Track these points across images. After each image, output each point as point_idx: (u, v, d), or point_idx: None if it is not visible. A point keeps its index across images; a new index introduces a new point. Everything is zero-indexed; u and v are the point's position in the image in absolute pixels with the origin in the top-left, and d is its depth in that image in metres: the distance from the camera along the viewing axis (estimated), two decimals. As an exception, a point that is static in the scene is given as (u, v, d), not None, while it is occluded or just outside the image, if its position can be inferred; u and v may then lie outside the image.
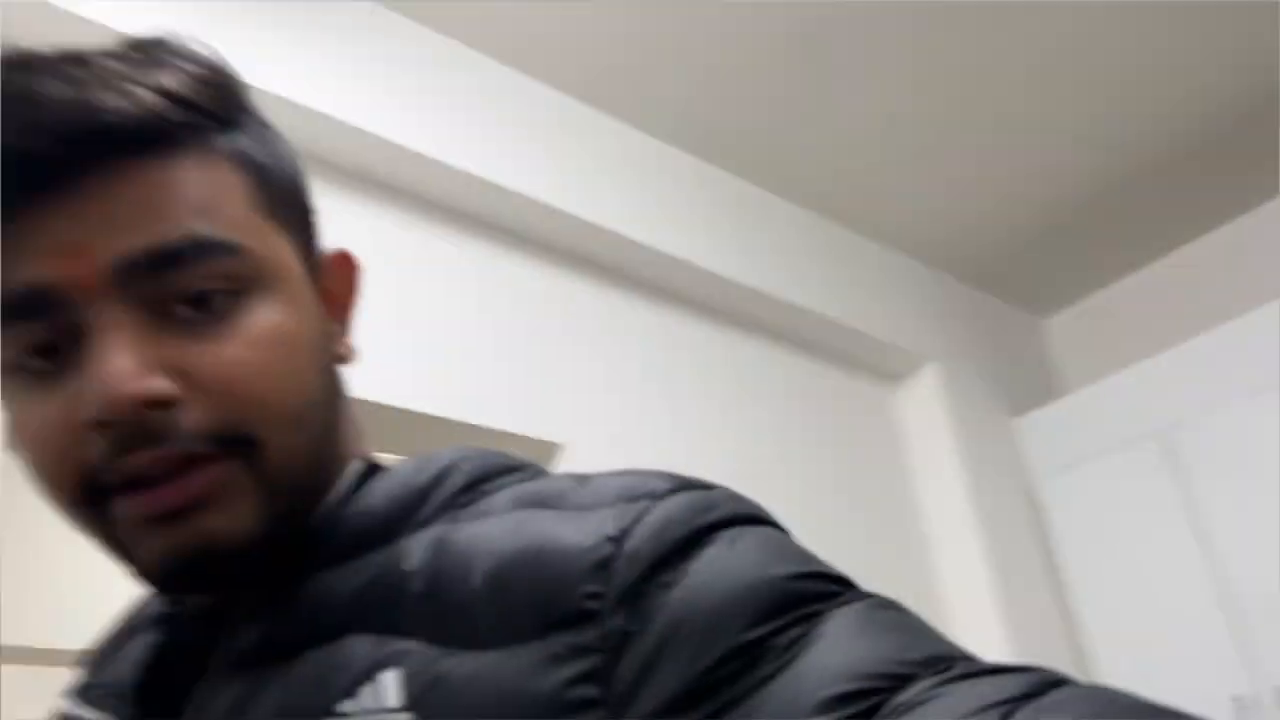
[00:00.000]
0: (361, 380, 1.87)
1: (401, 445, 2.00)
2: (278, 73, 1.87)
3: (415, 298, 2.02)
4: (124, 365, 0.45)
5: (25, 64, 0.46)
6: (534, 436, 2.05)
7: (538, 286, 2.23)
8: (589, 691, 0.42)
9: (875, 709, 0.39)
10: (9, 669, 1.43)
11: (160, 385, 0.45)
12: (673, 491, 0.48)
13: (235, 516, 0.47)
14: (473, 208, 2.16)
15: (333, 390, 0.54)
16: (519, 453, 1.88)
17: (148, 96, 0.46)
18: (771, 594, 0.43)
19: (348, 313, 0.58)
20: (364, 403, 1.86)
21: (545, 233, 2.25)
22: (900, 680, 0.40)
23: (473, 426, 1.98)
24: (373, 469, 0.55)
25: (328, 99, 1.92)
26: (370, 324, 1.90)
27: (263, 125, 0.55)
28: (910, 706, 0.38)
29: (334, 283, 0.57)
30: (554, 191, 2.20)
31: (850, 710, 0.39)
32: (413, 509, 0.51)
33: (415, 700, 0.43)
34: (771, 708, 0.40)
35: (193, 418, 0.46)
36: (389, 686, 0.44)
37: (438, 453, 0.56)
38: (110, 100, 0.45)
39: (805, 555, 0.47)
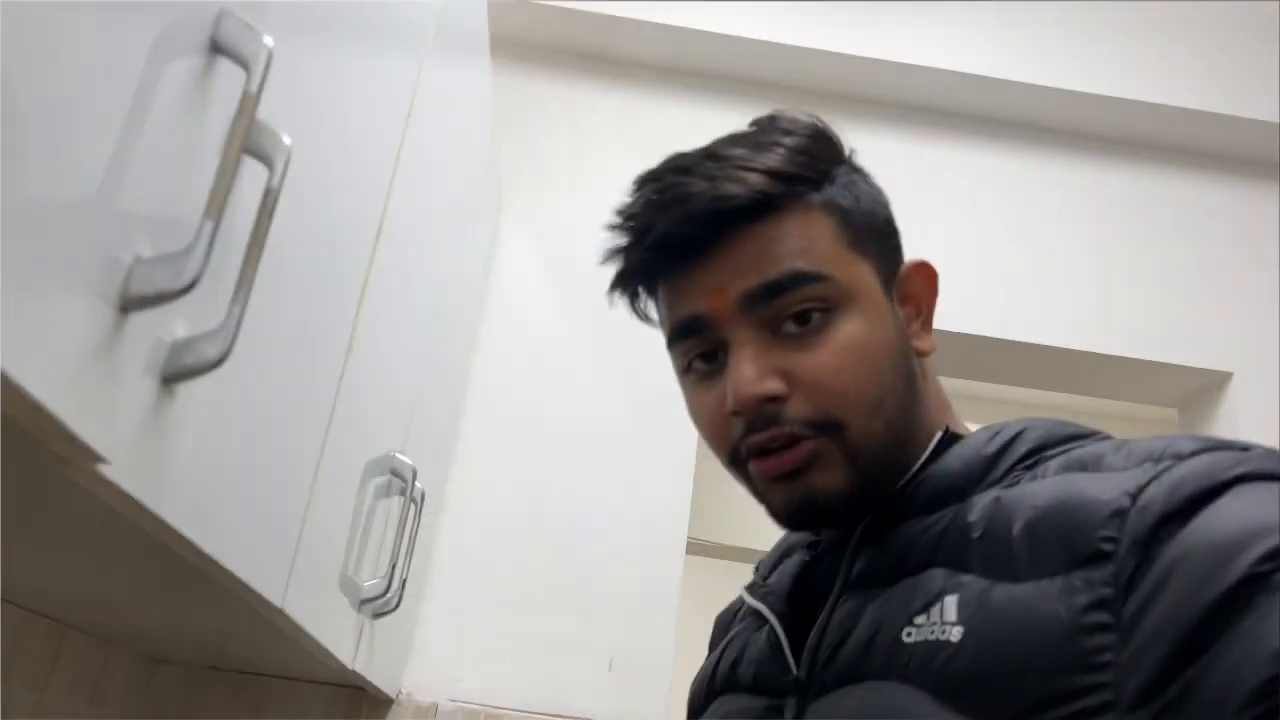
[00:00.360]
0: (1008, 321, 1.93)
1: (1054, 383, 1.99)
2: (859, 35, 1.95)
3: (1058, 231, 1.97)
4: (749, 373, 0.63)
5: (679, 168, 0.67)
6: (1198, 366, 1.87)
7: (1197, 203, 2.01)
8: (1101, 617, 0.50)
9: None
10: (697, 559, 1.83)
11: (773, 386, 0.63)
12: (1199, 452, 0.54)
13: (830, 477, 0.64)
14: (1112, 127, 2.01)
15: (909, 379, 0.67)
16: (1181, 385, 1.80)
17: (759, 181, 0.64)
18: (1272, 536, 0.47)
19: (926, 312, 0.72)
20: (1026, 346, 1.90)
21: (1194, 140, 2.00)
22: None
23: (1127, 359, 1.88)
24: (952, 437, 0.68)
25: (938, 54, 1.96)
26: (1010, 262, 1.93)
27: (850, 172, 0.70)
28: None
29: (913, 287, 0.71)
30: (1199, 93, 1.95)
31: None
32: (982, 472, 0.63)
33: (966, 617, 0.55)
34: (1255, 631, 0.45)
35: (795, 408, 0.63)
36: (950, 606, 0.56)
37: (1008, 423, 0.67)
38: (732, 189, 0.64)
39: None
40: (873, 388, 0.64)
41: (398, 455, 1.22)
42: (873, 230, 0.69)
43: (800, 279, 0.64)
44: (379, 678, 1.40)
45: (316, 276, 0.86)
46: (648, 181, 0.67)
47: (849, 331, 0.64)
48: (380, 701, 1.60)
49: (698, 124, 0.72)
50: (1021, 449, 0.64)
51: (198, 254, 0.51)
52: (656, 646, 1.66)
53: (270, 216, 0.61)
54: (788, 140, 0.67)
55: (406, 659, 1.63)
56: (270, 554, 0.83)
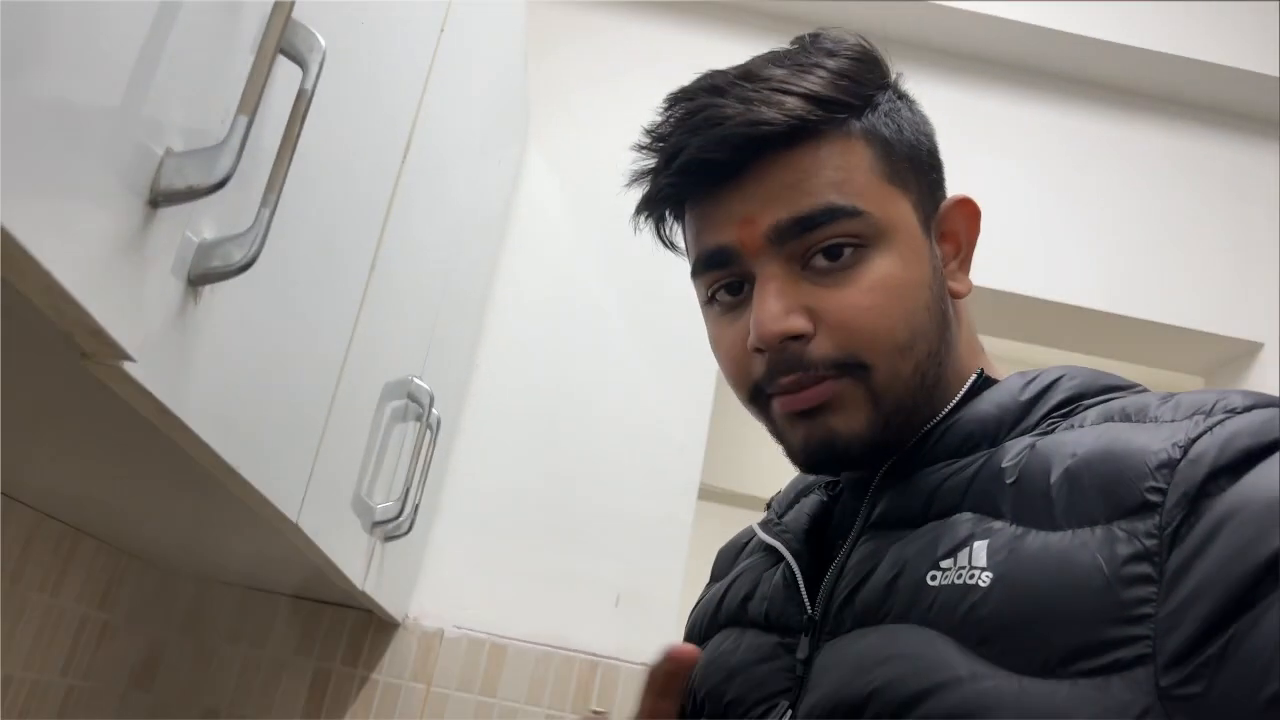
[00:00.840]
0: (1037, 278, 1.90)
1: (1080, 344, 1.96)
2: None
3: (1092, 190, 1.92)
4: (773, 309, 0.60)
5: (713, 88, 0.63)
6: (1229, 335, 1.84)
7: (1229, 166, 1.95)
8: (1143, 569, 0.49)
9: None
10: (706, 504, 1.83)
11: (797, 324, 0.60)
12: (1253, 408, 0.52)
13: (851, 419, 0.62)
14: (1158, 85, 1.96)
15: (942, 322, 0.65)
16: (1212, 353, 1.76)
17: (797, 106, 0.61)
18: None
19: (966, 251, 0.68)
20: (1040, 301, 1.87)
21: (1243, 102, 1.94)
22: None
23: (1156, 324, 1.85)
24: (986, 381, 0.65)
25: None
26: (1043, 219, 1.90)
27: (894, 99, 0.66)
28: None
29: (953, 225, 0.68)
30: (1250, 51, 1.90)
31: None
32: (1016, 418, 0.61)
33: (996, 563, 0.54)
34: None
35: (820, 349, 0.61)
36: (980, 552, 0.55)
37: (1046, 370, 0.64)
38: (768, 113, 0.60)
39: None
40: (903, 330, 0.61)
41: (415, 380, 1.21)
42: (914, 162, 0.65)
43: (834, 213, 0.60)
44: (387, 600, 1.41)
45: (344, 188, 0.84)
46: (679, 101, 0.64)
47: (881, 270, 0.61)
48: (387, 624, 1.61)
49: (730, 59, 0.68)
50: (1058, 396, 0.61)
51: (231, 149, 0.49)
52: (664, 586, 1.66)
53: (303, 119, 0.59)
54: (830, 62, 0.63)
55: (414, 584, 1.64)
56: (287, 468, 0.82)
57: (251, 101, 0.50)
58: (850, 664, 0.57)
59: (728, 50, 0.80)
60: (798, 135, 0.61)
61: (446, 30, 1.07)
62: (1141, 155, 1.95)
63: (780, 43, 0.68)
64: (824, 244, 0.61)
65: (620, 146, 0.70)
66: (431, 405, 1.23)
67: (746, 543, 0.80)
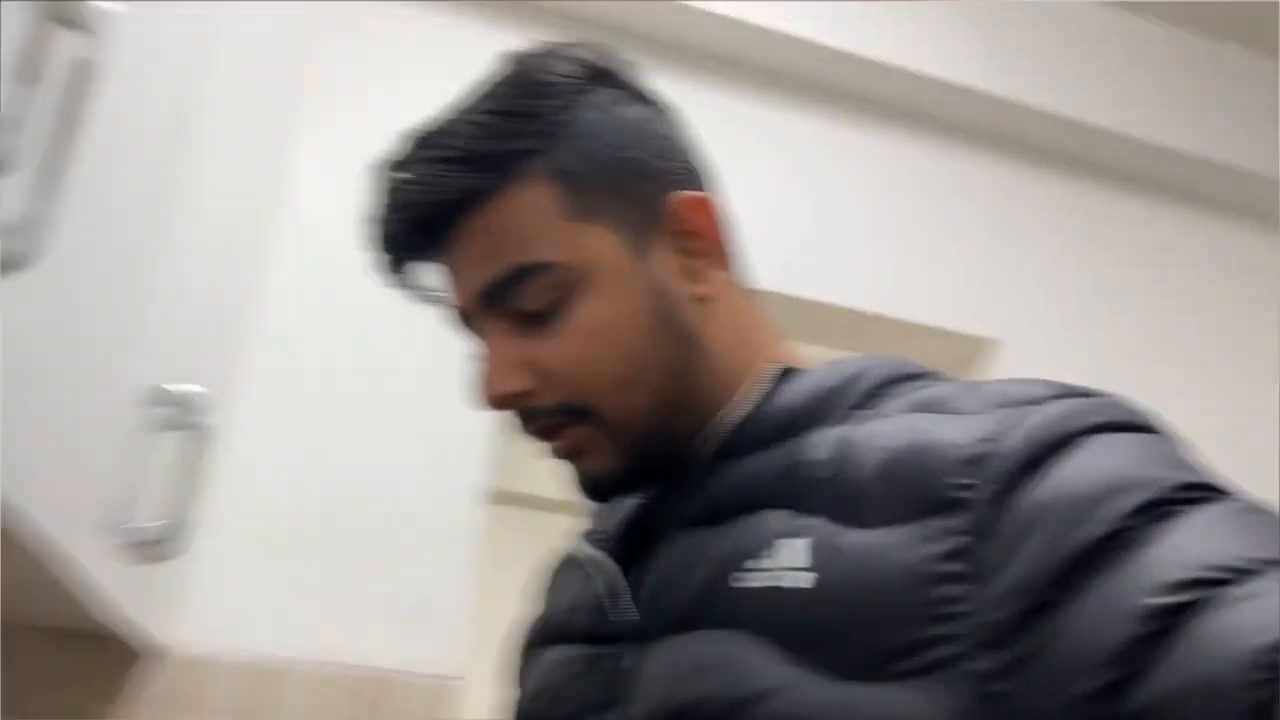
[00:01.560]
0: (795, 278, 1.96)
1: (835, 341, 2.07)
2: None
3: (849, 195, 2.03)
4: (489, 375, 0.63)
5: (400, 162, 0.64)
6: (969, 333, 2.01)
7: (973, 176, 2.14)
8: (956, 566, 0.49)
9: (1209, 598, 0.42)
10: (509, 511, 1.80)
11: (515, 385, 0.62)
12: (1052, 398, 0.53)
13: (600, 460, 0.64)
14: (909, 100, 2.10)
15: (679, 338, 0.64)
16: (954, 350, 1.87)
17: (464, 180, 0.61)
18: (1136, 492, 0.47)
19: (712, 244, 0.66)
20: (798, 300, 1.93)
21: (983, 120, 2.14)
22: (1241, 574, 0.42)
23: (905, 323, 1.98)
24: (789, 372, 0.65)
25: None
26: (802, 221, 1.98)
27: (592, 111, 0.64)
28: (1239, 599, 0.41)
29: (693, 223, 0.65)
30: (991, 76, 2.09)
31: (1184, 597, 0.42)
32: (825, 407, 0.61)
33: (817, 563, 0.53)
34: (1114, 588, 0.44)
35: (544, 400, 0.62)
36: (800, 551, 0.54)
37: (851, 359, 0.65)
38: (428, 197, 0.61)
39: (1180, 462, 0.50)
40: (620, 365, 0.62)
41: (183, 386, 1.11)
42: (614, 183, 0.63)
43: (521, 274, 0.61)
44: (150, 627, 1.29)
45: (119, 174, 0.75)
46: (380, 170, 0.65)
47: (584, 315, 0.61)
48: (148, 654, 1.47)
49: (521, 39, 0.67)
50: (865, 386, 0.62)
51: (12, 126, 0.42)
52: (455, 595, 1.61)
53: (86, 94, 0.52)
54: (508, 104, 0.62)
55: (182, 607, 1.50)
56: (46, 485, 0.73)
57: (35, 69, 0.44)
58: (669, 674, 0.56)
59: (505, 42, 0.77)
60: (476, 198, 0.61)
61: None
62: (888, 162, 2.07)
63: (551, 37, 0.68)
64: (524, 302, 0.62)
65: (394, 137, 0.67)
66: (200, 414, 1.13)
67: (572, 557, 0.78)
